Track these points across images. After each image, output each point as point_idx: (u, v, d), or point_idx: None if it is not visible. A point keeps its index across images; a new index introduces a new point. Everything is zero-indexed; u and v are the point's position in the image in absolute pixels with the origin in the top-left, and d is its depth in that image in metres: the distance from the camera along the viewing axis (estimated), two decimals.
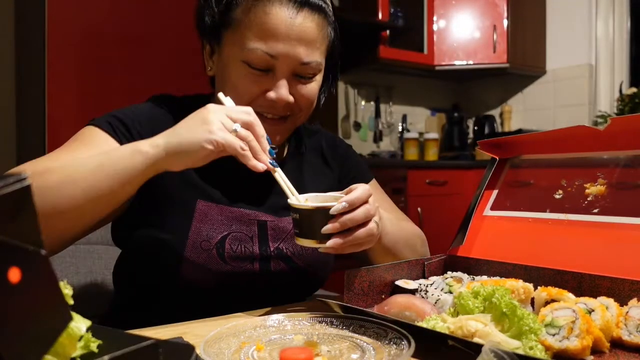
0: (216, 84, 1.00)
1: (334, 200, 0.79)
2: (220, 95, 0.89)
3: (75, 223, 0.80)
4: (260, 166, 0.79)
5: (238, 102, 0.90)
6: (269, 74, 0.92)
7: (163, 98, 1.02)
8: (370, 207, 0.80)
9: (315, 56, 0.94)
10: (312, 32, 0.92)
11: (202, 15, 0.97)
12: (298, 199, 0.82)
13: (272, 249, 0.97)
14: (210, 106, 0.80)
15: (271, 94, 0.92)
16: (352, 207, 0.78)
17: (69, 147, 0.88)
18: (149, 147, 0.77)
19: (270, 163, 0.81)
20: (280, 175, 0.84)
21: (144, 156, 0.76)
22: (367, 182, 1.14)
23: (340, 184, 1.11)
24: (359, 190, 0.79)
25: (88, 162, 0.78)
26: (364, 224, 0.80)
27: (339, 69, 1.08)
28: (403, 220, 1.10)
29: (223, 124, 0.78)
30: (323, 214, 0.77)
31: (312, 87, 0.97)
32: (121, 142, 0.89)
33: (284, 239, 0.98)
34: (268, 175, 0.88)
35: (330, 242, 0.78)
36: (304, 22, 0.91)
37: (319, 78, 0.98)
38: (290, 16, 0.90)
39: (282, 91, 0.92)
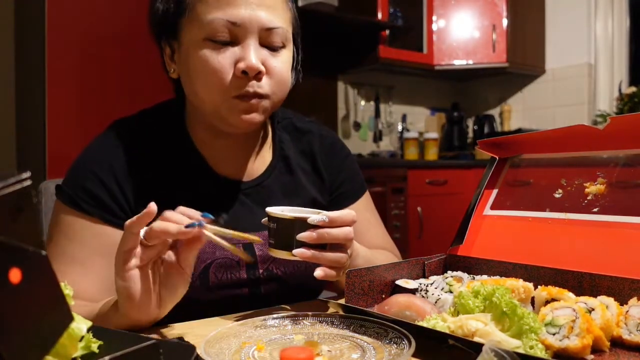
0: (183, 84, 0.92)
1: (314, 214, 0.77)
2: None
3: None
4: (173, 228, 0.68)
5: (210, 89, 0.85)
6: (235, 46, 0.86)
7: (122, 127, 0.95)
8: (351, 233, 0.78)
9: (280, 22, 0.87)
10: None
11: (155, 12, 0.92)
12: (250, 238, 0.77)
13: (261, 271, 0.93)
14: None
15: (240, 65, 0.84)
16: (331, 224, 0.76)
17: (57, 249, 0.86)
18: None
19: (194, 224, 0.69)
20: (212, 231, 0.72)
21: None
22: (358, 197, 1.10)
23: (330, 196, 1.07)
24: (344, 211, 0.78)
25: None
26: (339, 248, 0.78)
27: (300, 53, 1.00)
28: (382, 251, 1.06)
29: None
30: (301, 226, 0.76)
31: (283, 61, 0.89)
32: (96, 214, 0.86)
33: (274, 259, 0.92)
34: (252, 193, 0.86)
35: (297, 251, 0.75)
36: None
37: (287, 53, 0.91)
38: None
39: (250, 58, 0.84)
